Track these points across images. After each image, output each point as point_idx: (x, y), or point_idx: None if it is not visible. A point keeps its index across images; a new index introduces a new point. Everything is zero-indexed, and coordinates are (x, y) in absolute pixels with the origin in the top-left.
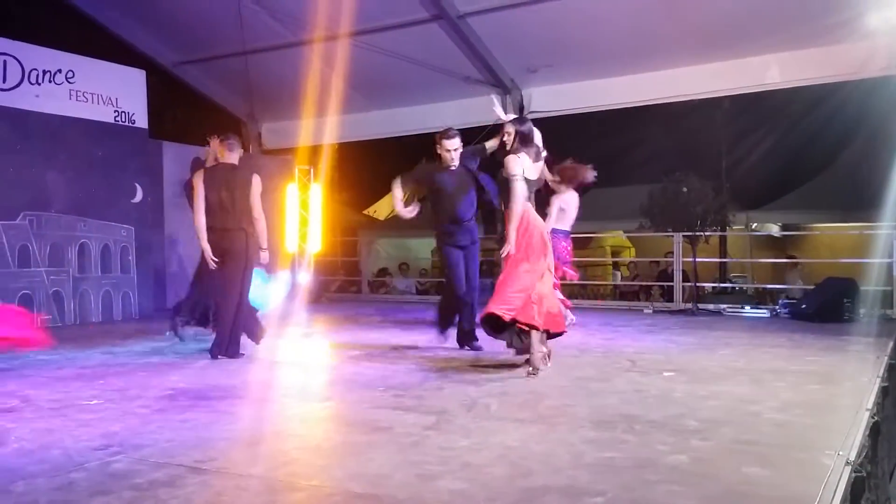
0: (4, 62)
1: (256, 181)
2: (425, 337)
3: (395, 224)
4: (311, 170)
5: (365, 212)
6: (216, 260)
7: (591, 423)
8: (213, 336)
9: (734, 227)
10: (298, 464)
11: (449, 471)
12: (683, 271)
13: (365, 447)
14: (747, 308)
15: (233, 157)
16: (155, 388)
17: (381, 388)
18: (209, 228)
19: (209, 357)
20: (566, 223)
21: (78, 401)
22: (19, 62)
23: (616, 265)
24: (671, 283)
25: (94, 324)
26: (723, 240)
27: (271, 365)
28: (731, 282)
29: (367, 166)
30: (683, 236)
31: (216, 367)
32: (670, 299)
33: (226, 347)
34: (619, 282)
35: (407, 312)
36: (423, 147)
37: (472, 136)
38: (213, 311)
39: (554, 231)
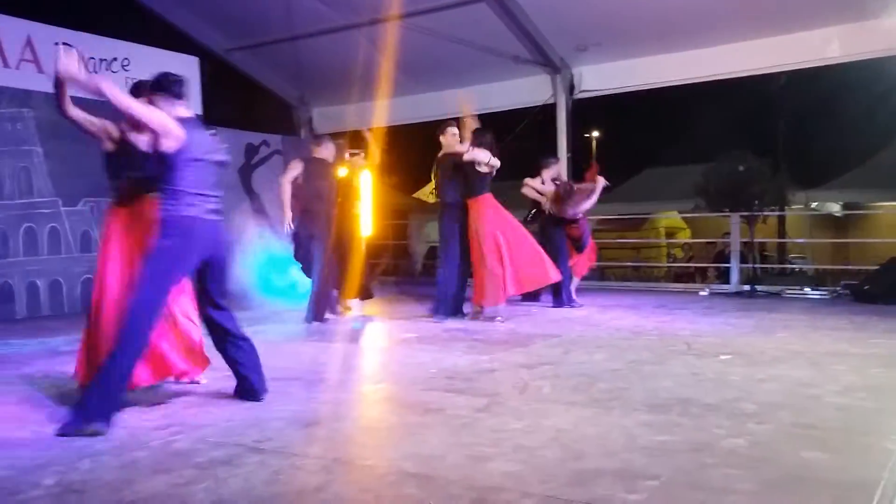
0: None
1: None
2: (478, 319)
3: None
4: (362, 153)
5: (414, 195)
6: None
7: (645, 406)
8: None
9: (793, 207)
10: (353, 444)
11: (501, 453)
12: (741, 252)
13: (418, 428)
14: (807, 290)
15: (322, 151)
16: (214, 368)
17: (433, 370)
18: (307, 211)
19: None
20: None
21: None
22: (77, 51)
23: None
24: (728, 265)
25: None
26: (781, 220)
27: (325, 347)
28: (790, 263)
29: (417, 149)
30: (740, 216)
31: (271, 349)
32: (727, 281)
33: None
34: (673, 263)
35: None
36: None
37: (520, 117)
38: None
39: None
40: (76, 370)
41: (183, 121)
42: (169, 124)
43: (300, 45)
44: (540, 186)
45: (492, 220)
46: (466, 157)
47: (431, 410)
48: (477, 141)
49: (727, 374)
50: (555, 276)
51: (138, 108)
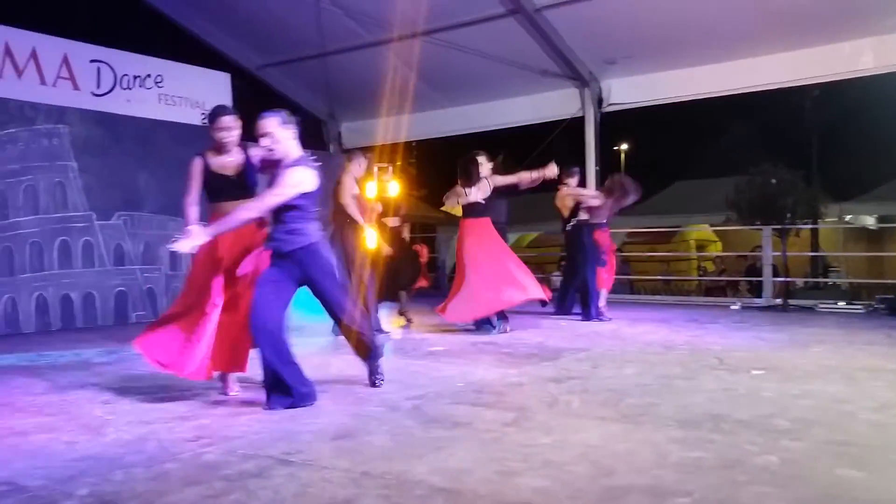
0: (98, 69)
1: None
2: (505, 333)
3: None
4: (390, 167)
5: (442, 208)
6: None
7: (676, 421)
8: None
9: (826, 220)
10: (381, 458)
11: (530, 468)
12: (773, 266)
13: (446, 442)
14: (841, 304)
15: (354, 167)
16: (244, 380)
17: (460, 383)
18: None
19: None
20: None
21: (171, 394)
22: (112, 68)
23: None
24: (760, 279)
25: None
26: (814, 233)
27: (353, 360)
28: (823, 276)
29: (445, 163)
30: (772, 229)
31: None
32: (759, 295)
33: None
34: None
35: None
36: (499, 142)
37: (548, 131)
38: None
39: (601, 225)
40: (203, 365)
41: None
42: (302, 188)
43: (330, 61)
44: (582, 189)
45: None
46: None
47: (460, 424)
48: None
49: (760, 390)
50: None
51: (274, 199)
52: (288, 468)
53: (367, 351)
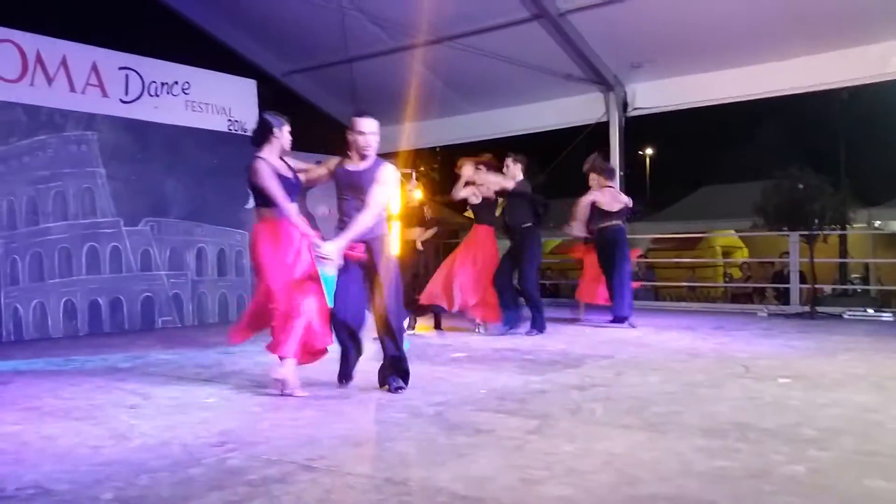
0: (126, 76)
1: None
2: (528, 340)
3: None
4: (413, 173)
5: (466, 213)
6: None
7: (701, 430)
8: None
9: (855, 226)
10: (403, 464)
11: (553, 476)
12: (800, 272)
13: (468, 449)
14: (870, 311)
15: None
16: (267, 387)
17: (483, 390)
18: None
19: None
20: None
21: (196, 399)
22: (140, 75)
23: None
24: (787, 285)
25: (211, 325)
26: (843, 239)
27: (376, 366)
28: (851, 283)
29: None
30: (800, 235)
31: (323, 368)
32: (786, 302)
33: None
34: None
35: None
36: (522, 148)
37: (572, 136)
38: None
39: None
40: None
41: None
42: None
43: (354, 67)
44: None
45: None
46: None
47: (482, 431)
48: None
49: (786, 398)
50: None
51: (385, 197)
52: (311, 474)
53: (396, 350)
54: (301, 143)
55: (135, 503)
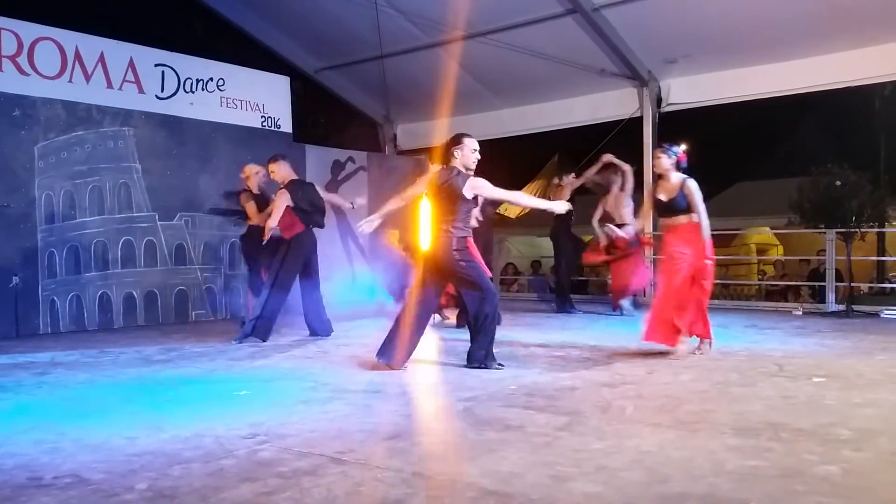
0: (162, 72)
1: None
2: (557, 336)
3: (526, 222)
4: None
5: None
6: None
7: (733, 429)
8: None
9: (893, 223)
10: (432, 458)
11: (582, 473)
12: (837, 270)
13: (497, 445)
14: None
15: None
16: (298, 379)
17: (512, 386)
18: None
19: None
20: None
21: (228, 391)
22: (175, 72)
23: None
24: (823, 283)
25: (243, 318)
26: (881, 236)
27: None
28: (889, 282)
29: (500, 164)
30: (837, 233)
31: (353, 362)
32: (822, 300)
33: None
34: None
35: (537, 311)
36: (555, 143)
37: (605, 131)
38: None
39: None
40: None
41: None
42: None
43: (386, 63)
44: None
45: None
46: None
47: (511, 427)
48: None
49: (821, 398)
50: None
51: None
52: (341, 467)
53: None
54: (333, 139)
55: (168, 493)
